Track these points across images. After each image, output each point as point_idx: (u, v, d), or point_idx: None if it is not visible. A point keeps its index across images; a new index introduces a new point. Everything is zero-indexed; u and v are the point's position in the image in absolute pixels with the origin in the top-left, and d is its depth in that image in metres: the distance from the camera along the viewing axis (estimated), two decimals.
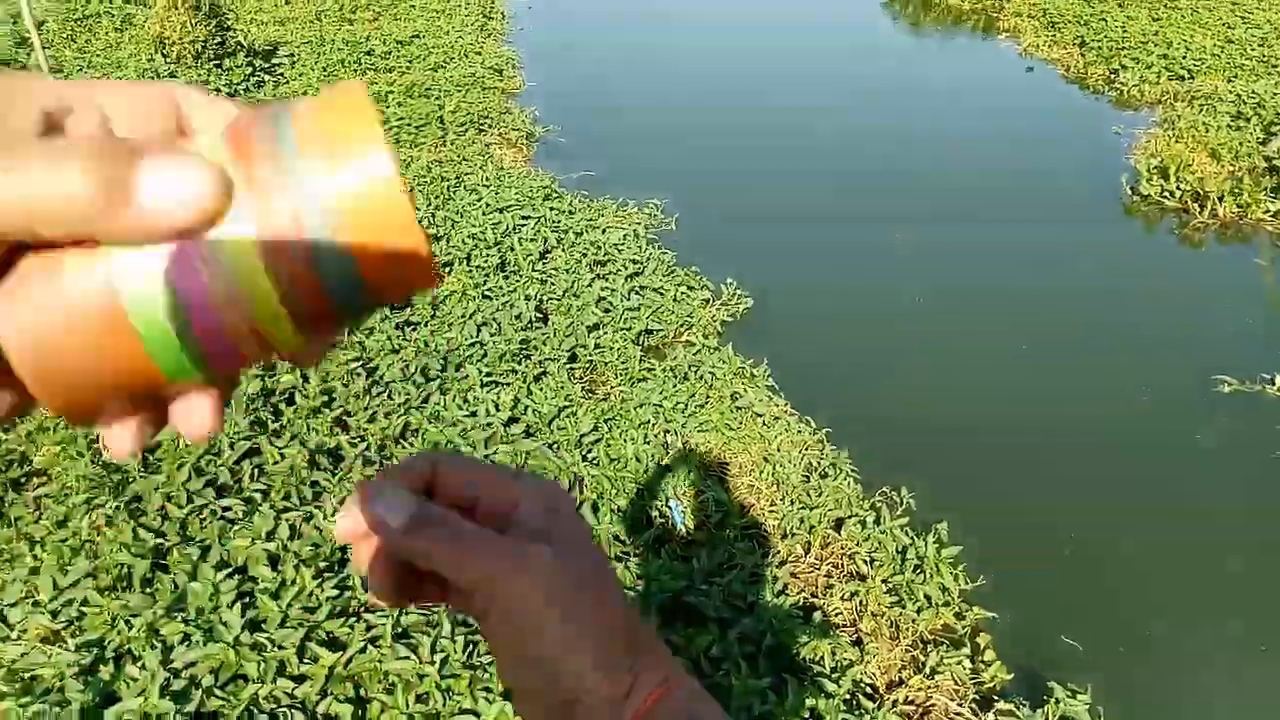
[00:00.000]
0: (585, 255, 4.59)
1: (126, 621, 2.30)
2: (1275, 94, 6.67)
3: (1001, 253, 5.00)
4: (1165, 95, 6.94)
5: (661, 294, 4.32)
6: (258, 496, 2.77)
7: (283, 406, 3.27)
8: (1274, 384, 3.91)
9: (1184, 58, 7.46)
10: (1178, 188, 5.45)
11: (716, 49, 8.39)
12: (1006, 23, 9.08)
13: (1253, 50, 7.59)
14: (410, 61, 7.23)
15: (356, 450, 3.04)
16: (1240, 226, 5.25)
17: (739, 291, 4.43)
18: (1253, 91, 6.72)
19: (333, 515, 2.71)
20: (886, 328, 4.35)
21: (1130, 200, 5.55)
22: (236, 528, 2.63)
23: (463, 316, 3.95)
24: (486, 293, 4.17)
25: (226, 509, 2.70)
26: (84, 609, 2.35)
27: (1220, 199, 5.28)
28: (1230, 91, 6.77)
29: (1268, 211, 5.24)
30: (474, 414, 3.34)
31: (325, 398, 3.32)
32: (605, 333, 3.99)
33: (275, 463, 2.92)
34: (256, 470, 2.89)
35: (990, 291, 4.65)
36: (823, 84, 7.57)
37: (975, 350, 4.20)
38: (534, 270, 4.39)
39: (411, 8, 8.65)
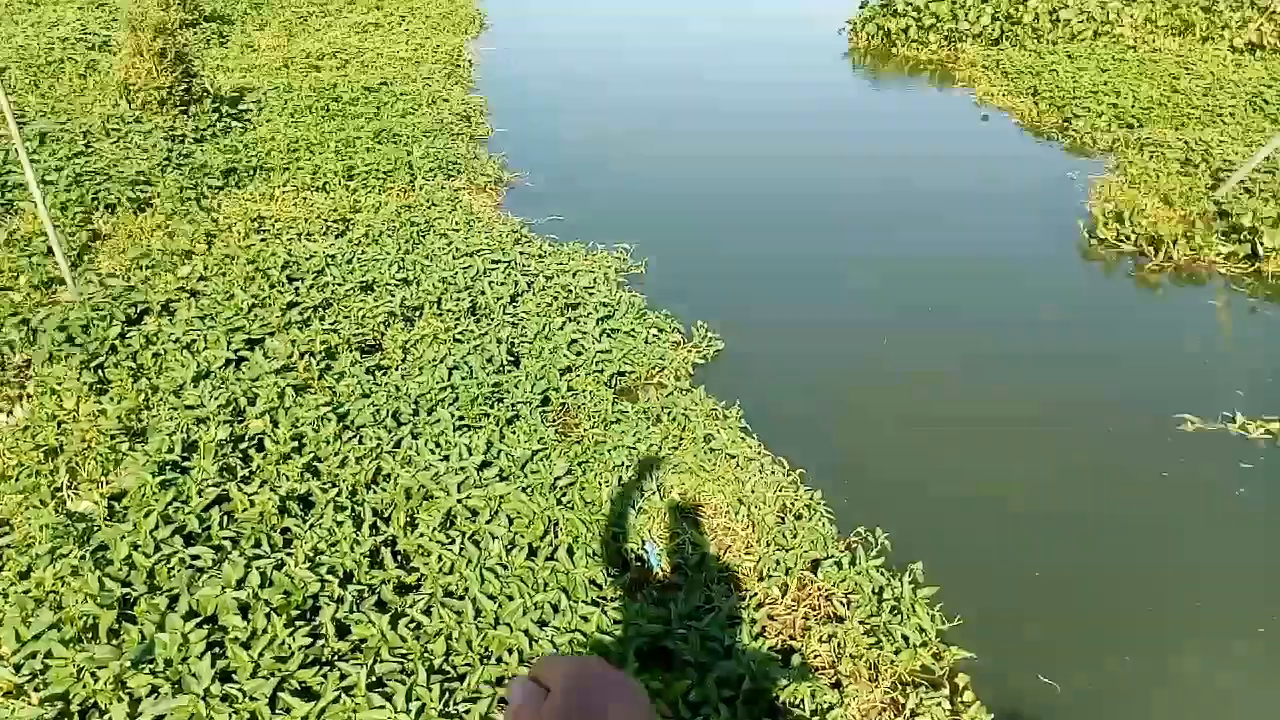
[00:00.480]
0: (556, 299, 4.60)
1: (92, 674, 2.23)
2: (1221, 142, 6.92)
3: (966, 297, 5.10)
4: (1116, 143, 7.18)
5: (633, 336, 4.34)
6: (227, 544, 2.71)
7: (252, 453, 3.22)
8: (1235, 421, 4.01)
9: (1132, 107, 7.74)
10: (1133, 232, 5.61)
11: (683, 97, 8.54)
12: (962, 73, 9.36)
13: (1196, 100, 7.89)
14: (378, 108, 7.27)
15: (328, 496, 2.99)
16: (1194, 269, 5.41)
17: (710, 334, 4.47)
18: (1200, 139, 6.97)
19: (304, 561, 2.65)
20: (856, 370, 4.40)
21: (1088, 244, 5.70)
22: (206, 576, 2.56)
23: (434, 360, 3.93)
24: (458, 336, 4.16)
25: (195, 557, 2.63)
26: (48, 662, 2.27)
27: (1174, 242, 5.44)
28: (1178, 139, 7.02)
29: (1219, 254, 5.40)
30: (446, 458, 3.31)
31: (295, 443, 3.27)
32: (578, 375, 3.99)
33: (245, 509, 2.87)
34: (226, 517, 2.83)
35: (956, 334, 4.73)
36: (787, 131, 7.72)
37: (943, 391, 4.26)
38: (505, 314, 4.40)
39: (379, 55, 8.72)
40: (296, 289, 4.42)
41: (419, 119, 7.07)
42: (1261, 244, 5.33)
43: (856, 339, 4.65)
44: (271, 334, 4.01)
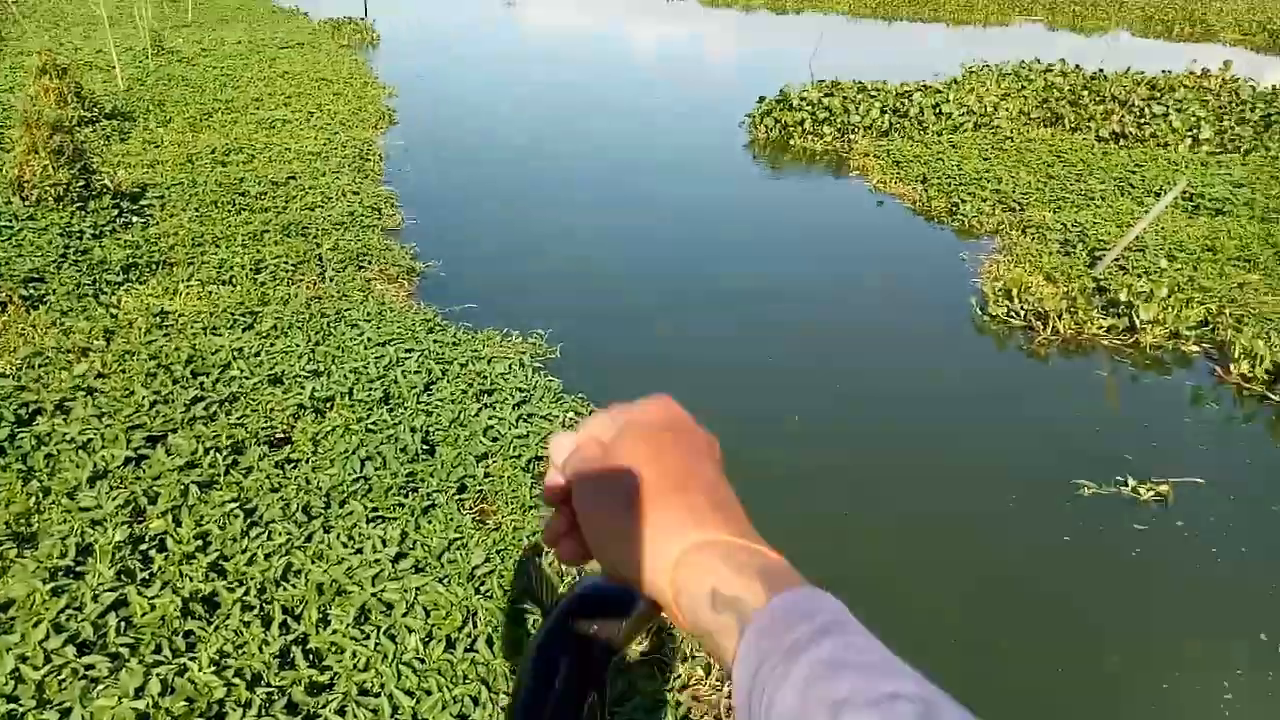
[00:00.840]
0: (471, 385, 4.59)
1: None
2: (1094, 223, 7.45)
3: (872, 374, 5.30)
4: (1001, 225, 7.65)
5: (550, 420, 4.35)
6: (125, 651, 2.56)
7: (153, 554, 3.07)
8: (1127, 485, 4.22)
9: (1013, 192, 8.29)
10: (1021, 308, 5.95)
11: (592, 187, 8.77)
12: (856, 162, 9.89)
13: (1070, 185, 8.51)
14: (286, 201, 7.24)
15: (235, 595, 2.87)
16: (1080, 341, 5.75)
17: None
18: (1075, 221, 7.49)
19: (209, 665, 2.52)
20: (771, 447, 4.49)
21: (981, 320, 6.01)
22: (101, 687, 2.41)
23: (346, 452, 3.85)
24: (370, 426, 4.09)
25: (90, 667, 2.47)
26: None
27: (1059, 317, 5.79)
28: (1056, 221, 7.53)
29: (1101, 327, 5.77)
30: (360, 551, 3.22)
31: (200, 542, 3.14)
32: (494, 461, 3.96)
33: (145, 614, 2.72)
34: (124, 623, 2.68)
35: (864, 411, 4.89)
36: (693, 218, 7.98)
37: (853, 471, 4.38)
38: (419, 402, 4.36)
39: (287, 150, 8.72)
40: (201, 384, 4.30)
41: (329, 212, 7.06)
42: (1138, 317, 5.71)
43: (768, 417, 4.75)
44: (174, 430, 3.87)
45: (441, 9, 25.54)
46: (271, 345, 4.77)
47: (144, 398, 4.06)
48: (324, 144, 9.09)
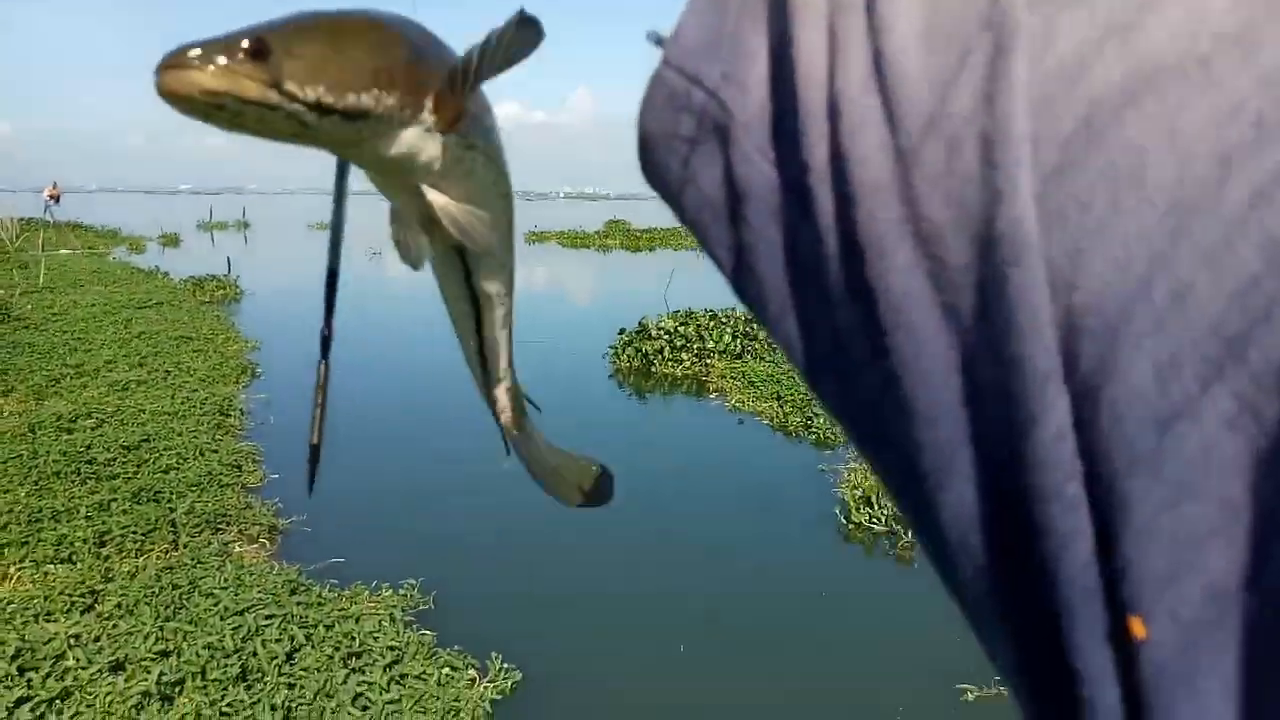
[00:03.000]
0: (338, 649, 4.33)
1: None
2: None
3: (747, 592, 5.34)
4: None
5: (424, 680, 4.13)
6: None
7: None
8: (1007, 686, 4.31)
9: None
10: (881, 514, 6.22)
11: (458, 430, 8.81)
12: (714, 385, 10.41)
13: None
14: (139, 466, 6.94)
15: None
16: None
17: (505, 665, 4.33)
18: None
19: None
20: (658, 680, 4.38)
21: (847, 528, 6.22)
22: None
23: None
24: (225, 710, 3.77)
25: None
26: None
27: None
28: None
29: None
30: None
31: None
32: None
33: None
34: None
35: (744, 629, 4.88)
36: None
37: (741, 690, 4.31)
38: (280, 674, 4.07)
39: (141, 412, 8.45)
40: (29, 681, 3.89)
41: (184, 473, 6.79)
42: None
43: (651, 647, 4.67)
44: None
45: (307, 263, 26.15)
46: (114, 627, 4.41)
47: None
48: (181, 403, 8.87)
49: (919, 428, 0.30)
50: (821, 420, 8.49)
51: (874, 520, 6.21)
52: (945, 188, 0.29)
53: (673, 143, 0.36)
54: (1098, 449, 0.26)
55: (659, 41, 0.37)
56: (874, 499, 6.32)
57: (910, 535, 5.91)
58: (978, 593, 0.31)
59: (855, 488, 6.68)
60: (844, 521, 6.31)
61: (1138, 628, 0.24)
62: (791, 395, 9.28)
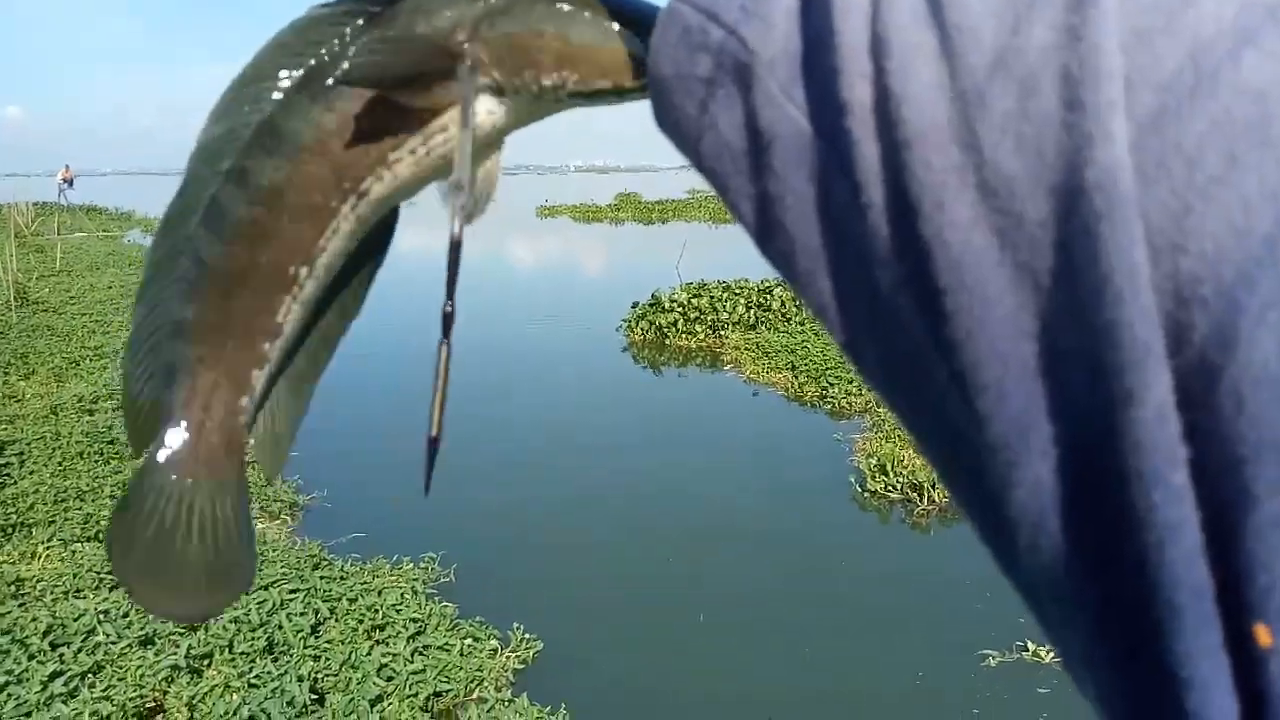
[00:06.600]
0: (362, 621, 4.40)
1: None
2: None
3: (764, 561, 5.37)
4: (869, 404, 8.11)
5: (447, 650, 4.19)
6: None
7: None
8: (1028, 650, 4.32)
9: None
10: (897, 481, 6.23)
11: (476, 401, 8.87)
12: (728, 356, 10.40)
13: None
14: None
15: None
16: (956, 510, 6.01)
17: (527, 635, 4.39)
18: None
19: None
20: (678, 650, 4.43)
21: (862, 497, 6.24)
22: None
23: (226, 713, 3.59)
24: (253, 681, 3.84)
25: None
26: None
27: (933, 486, 6.08)
28: None
29: None
30: None
31: None
32: (390, 704, 3.76)
33: None
34: None
35: (762, 597, 4.92)
36: (580, 426, 8.14)
37: (761, 658, 4.36)
38: (306, 647, 4.14)
39: None
40: (61, 656, 3.98)
41: None
42: None
43: (670, 616, 4.72)
44: (28, 715, 3.54)
45: None
46: None
47: None
48: None
49: (985, 400, 0.27)
50: (836, 390, 8.49)
51: (890, 488, 6.22)
52: (1018, 133, 0.25)
53: (688, 85, 0.33)
54: (1214, 433, 0.23)
55: None
56: (889, 467, 6.32)
57: (925, 503, 5.93)
58: (1052, 580, 0.27)
59: (870, 455, 6.68)
60: (859, 490, 6.32)
61: (1264, 635, 0.22)
62: (806, 366, 9.27)
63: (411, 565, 5.12)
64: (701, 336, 11.28)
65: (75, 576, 4.80)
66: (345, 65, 0.44)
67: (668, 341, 11.29)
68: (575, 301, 14.90)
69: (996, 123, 0.26)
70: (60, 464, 6.59)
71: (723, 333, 11.27)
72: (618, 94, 0.44)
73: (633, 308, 12.05)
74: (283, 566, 4.94)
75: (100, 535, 5.33)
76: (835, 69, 0.29)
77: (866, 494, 6.26)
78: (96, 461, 6.65)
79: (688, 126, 0.34)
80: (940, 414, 0.29)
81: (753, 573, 5.22)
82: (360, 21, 0.44)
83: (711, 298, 11.95)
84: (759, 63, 0.31)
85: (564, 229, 30.07)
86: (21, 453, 6.81)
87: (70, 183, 36.53)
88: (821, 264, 0.32)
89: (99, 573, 4.86)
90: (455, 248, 0.47)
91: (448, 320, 0.53)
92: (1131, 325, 0.23)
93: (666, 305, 11.78)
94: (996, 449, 0.27)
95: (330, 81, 0.44)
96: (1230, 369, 0.22)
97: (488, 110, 0.45)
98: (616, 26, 0.42)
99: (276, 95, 0.45)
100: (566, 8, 0.42)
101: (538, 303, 14.73)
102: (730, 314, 11.53)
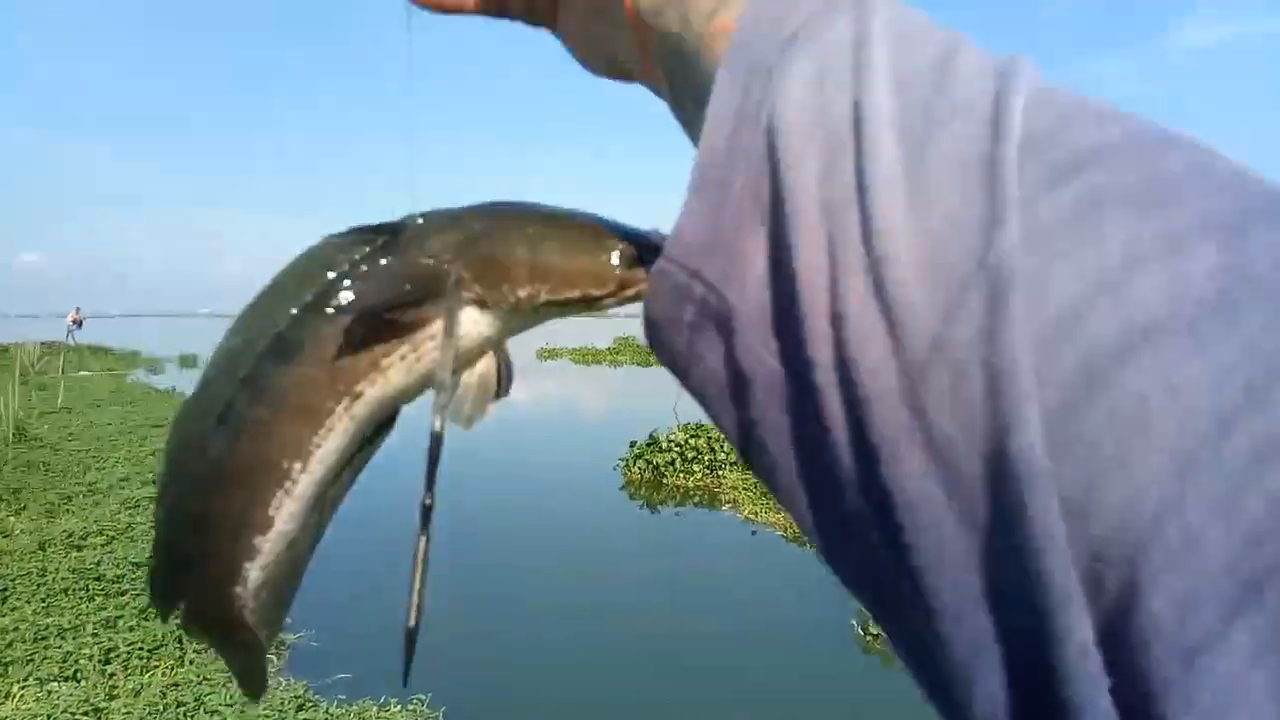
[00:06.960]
0: None
1: None
2: None
3: (763, 704, 5.19)
4: None
5: None
6: None
7: None
8: None
9: None
10: None
11: (474, 536, 8.75)
12: (726, 496, 10.34)
13: None
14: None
15: None
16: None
17: None
18: None
19: None
20: None
21: (864, 639, 6.08)
22: None
23: None
24: None
25: None
26: None
27: None
28: None
29: None
30: None
31: None
32: None
33: None
34: None
35: None
36: (576, 563, 8.01)
37: None
38: None
39: (151, 530, 8.42)
40: None
41: None
42: None
43: None
44: None
45: None
46: None
47: None
48: None
49: (944, 623, 0.30)
50: None
51: None
52: (952, 407, 0.29)
53: (677, 326, 0.38)
54: (1131, 668, 0.26)
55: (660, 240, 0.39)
56: None
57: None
58: None
59: None
60: (861, 632, 6.17)
61: None
62: None
63: (399, 708, 4.94)
64: (699, 476, 11.25)
65: (49, 718, 4.62)
66: (350, 292, 0.49)
67: (665, 481, 11.24)
68: (574, 441, 14.92)
69: (935, 395, 0.30)
70: (44, 600, 6.44)
71: (720, 472, 11.24)
72: (587, 303, 0.49)
73: (630, 447, 12.06)
74: (266, 709, 4.76)
75: (78, 675, 5.17)
76: (803, 332, 0.33)
77: (869, 636, 6.10)
78: (81, 598, 6.50)
79: (678, 358, 0.39)
80: (910, 628, 0.33)
81: (753, 715, 5.03)
82: (367, 249, 0.49)
83: (709, 437, 11.97)
84: (737, 317, 0.36)
85: (564, 370, 30.41)
86: (5, 589, 6.67)
87: (79, 324, 37.25)
88: (799, 486, 0.35)
89: (74, 713, 4.68)
90: (436, 442, 0.51)
91: (426, 513, 0.54)
92: (1053, 574, 0.27)
93: (664, 445, 11.80)
94: (957, 666, 0.30)
95: (336, 303, 0.50)
96: (1135, 617, 0.26)
97: (473, 320, 0.50)
98: (583, 245, 0.48)
99: (289, 311, 0.50)
100: (538, 230, 0.49)
101: (536, 443, 14.74)
102: (728, 454, 11.52)
